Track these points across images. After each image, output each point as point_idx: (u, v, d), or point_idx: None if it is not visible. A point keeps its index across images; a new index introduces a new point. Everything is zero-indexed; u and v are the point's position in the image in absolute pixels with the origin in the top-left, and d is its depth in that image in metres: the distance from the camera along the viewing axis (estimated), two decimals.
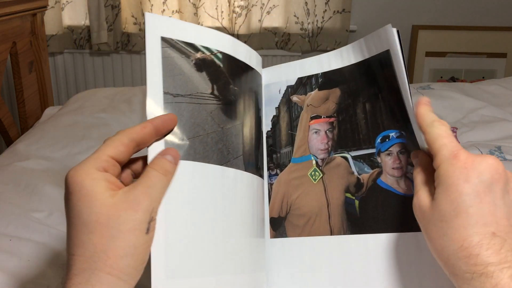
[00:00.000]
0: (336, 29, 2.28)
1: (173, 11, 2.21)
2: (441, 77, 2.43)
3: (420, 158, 0.43)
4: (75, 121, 1.15)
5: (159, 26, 0.43)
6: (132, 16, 2.18)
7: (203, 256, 0.40)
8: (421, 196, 0.39)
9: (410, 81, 2.43)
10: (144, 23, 0.42)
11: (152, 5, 2.19)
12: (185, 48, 0.45)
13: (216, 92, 0.46)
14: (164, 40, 0.43)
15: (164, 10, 2.21)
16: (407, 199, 0.45)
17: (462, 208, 0.35)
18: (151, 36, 0.42)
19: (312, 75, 0.53)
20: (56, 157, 0.98)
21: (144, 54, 1.71)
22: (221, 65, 0.47)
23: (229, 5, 2.20)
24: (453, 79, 2.42)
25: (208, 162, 0.43)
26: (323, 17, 2.27)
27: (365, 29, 2.38)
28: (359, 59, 0.50)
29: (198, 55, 0.45)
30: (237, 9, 2.20)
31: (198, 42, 0.46)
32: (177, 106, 0.42)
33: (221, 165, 0.44)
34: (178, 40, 0.44)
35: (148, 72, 0.41)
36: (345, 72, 0.51)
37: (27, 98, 1.35)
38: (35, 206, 0.76)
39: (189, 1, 2.16)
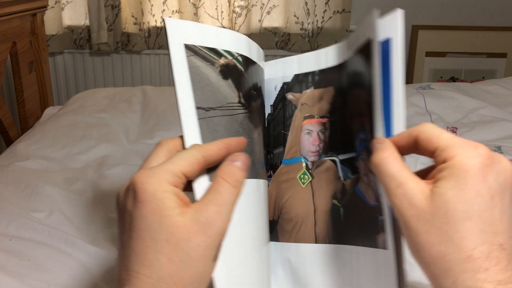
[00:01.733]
0: (336, 29, 2.28)
1: (173, 11, 2.21)
2: (441, 77, 2.43)
3: (387, 143, 0.36)
4: (75, 121, 1.15)
5: (181, 33, 0.39)
6: (132, 16, 2.18)
7: (252, 273, 0.39)
8: (413, 190, 0.32)
9: (410, 81, 2.43)
10: (164, 27, 0.39)
11: (152, 5, 2.19)
12: (209, 55, 0.41)
13: (242, 100, 0.43)
14: (187, 48, 0.40)
15: (164, 10, 2.20)
16: (375, 210, 0.39)
17: (476, 210, 0.30)
18: (175, 45, 0.39)
19: (309, 72, 0.50)
20: (56, 157, 0.98)
21: (145, 54, 1.70)
22: (243, 69, 0.44)
23: (229, 5, 2.20)
24: (453, 79, 2.42)
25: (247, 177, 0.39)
26: (323, 17, 2.27)
27: None
28: (350, 54, 0.45)
29: (222, 60, 0.42)
30: (237, 9, 2.20)
31: (219, 46, 0.42)
32: (211, 121, 0.39)
33: (255, 178, 0.42)
34: (201, 47, 0.41)
35: (177, 86, 0.38)
36: (341, 69, 0.47)
37: (27, 98, 1.35)
38: (35, 206, 0.76)
39: (189, 1, 2.16)
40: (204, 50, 0.41)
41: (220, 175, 0.35)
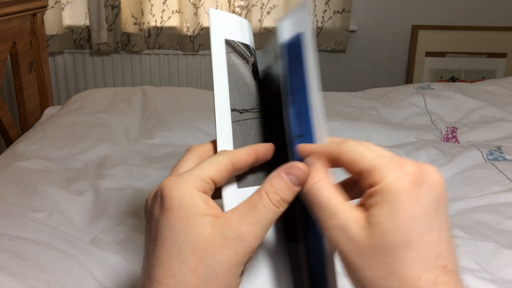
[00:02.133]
0: (336, 29, 2.28)
1: (173, 11, 2.21)
2: (441, 77, 2.43)
3: (317, 164, 0.32)
4: (75, 121, 1.15)
5: (224, 27, 0.37)
6: (132, 16, 2.18)
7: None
8: (347, 221, 0.29)
9: (410, 81, 2.43)
10: (209, 21, 0.37)
11: (152, 5, 2.19)
12: (245, 52, 0.38)
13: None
14: (227, 44, 0.37)
15: (164, 10, 2.21)
16: None
17: (415, 237, 0.28)
18: (217, 40, 0.36)
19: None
20: (56, 157, 0.98)
21: (145, 54, 1.70)
22: (259, 67, 0.41)
23: (229, 5, 2.20)
24: (453, 79, 2.42)
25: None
26: (323, 17, 2.27)
27: (365, 29, 2.38)
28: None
29: (253, 59, 0.39)
30: (237, 9, 2.20)
31: (250, 42, 0.39)
32: (244, 124, 0.37)
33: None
34: (239, 43, 0.38)
35: (215, 85, 0.36)
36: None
37: (27, 98, 1.35)
38: (35, 206, 0.76)
39: (189, 1, 2.16)
40: (241, 46, 0.38)
41: (265, 188, 0.32)
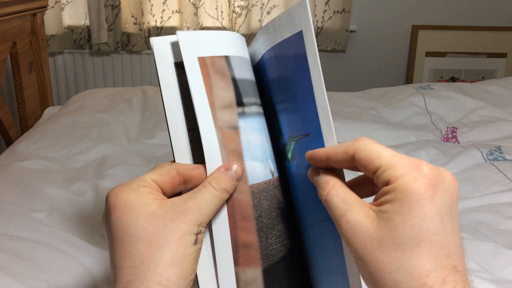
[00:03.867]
0: (336, 29, 2.28)
1: (173, 11, 2.21)
2: (441, 77, 2.43)
3: (326, 177, 0.34)
4: (75, 121, 1.15)
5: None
6: (132, 16, 2.18)
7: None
8: (357, 216, 0.31)
9: (410, 81, 2.43)
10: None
11: (152, 5, 2.19)
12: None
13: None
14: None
15: (164, 10, 2.21)
16: None
17: (426, 235, 0.28)
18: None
19: None
20: (56, 157, 0.98)
21: (145, 54, 1.70)
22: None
23: (229, 5, 2.20)
24: (453, 79, 2.42)
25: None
26: (323, 17, 2.27)
27: (365, 29, 2.38)
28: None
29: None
30: (237, 9, 2.20)
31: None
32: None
33: None
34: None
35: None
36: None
37: (27, 98, 1.35)
38: (35, 206, 0.76)
39: (189, 1, 2.16)
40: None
41: (208, 179, 0.36)
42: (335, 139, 0.35)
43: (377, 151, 0.31)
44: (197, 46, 0.37)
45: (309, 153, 0.35)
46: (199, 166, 0.37)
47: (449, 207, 0.30)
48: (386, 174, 0.30)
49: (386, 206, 0.30)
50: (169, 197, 0.36)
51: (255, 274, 0.38)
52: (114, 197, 0.34)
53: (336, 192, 0.33)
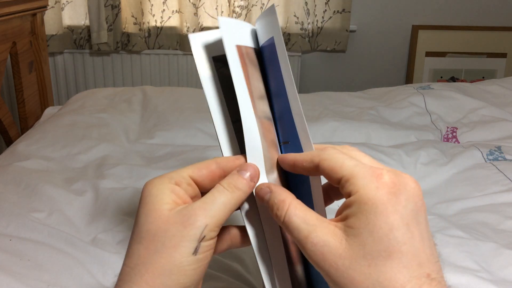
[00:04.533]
0: (336, 29, 2.28)
1: (173, 11, 2.21)
2: (441, 77, 2.43)
3: (278, 193, 0.33)
4: (75, 121, 1.15)
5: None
6: (132, 16, 2.18)
7: None
8: (324, 237, 0.29)
9: (410, 81, 2.43)
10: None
11: (152, 5, 2.19)
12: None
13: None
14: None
15: (164, 10, 2.21)
16: None
17: (395, 246, 0.28)
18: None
19: None
20: (56, 157, 0.98)
21: (145, 54, 1.71)
22: None
23: (229, 5, 2.20)
24: (453, 79, 2.42)
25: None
26: (323, 17, 2.27)
27: (365, 29, 2.38)
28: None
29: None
30: (237, 9, 2.20)
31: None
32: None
33: None
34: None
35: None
36: None
37: (27, 98, 1.35)
38: (35, 206, 0.76)
39: (189, 1, 2.16)
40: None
41: (221, 181, 0.34)
42: (312, 147, 0.35)
43: (340, 161, 0.31)
44: (235, 34, 0.37)
45: (280, 157, 0.36)
46: (239, 157, 0.36)
47: (415, 215, 0.29)
48: (348, 185, 0.30)
49: (351, 220, 0.29)
50: (203, 189, 0.35)
51: (301, 271, 0.37)
52: (144, 188, 0.34)
53: (294, 212, 0.31)
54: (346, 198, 0.30)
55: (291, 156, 0.35)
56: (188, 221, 0.31)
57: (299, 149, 0.36)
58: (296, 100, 0.35)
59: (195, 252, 0.31)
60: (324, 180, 0.35)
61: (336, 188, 0.35)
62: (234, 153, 0.37)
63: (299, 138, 0.36)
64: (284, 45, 0.36)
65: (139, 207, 0.33)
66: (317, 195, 0.36)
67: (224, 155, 0.37)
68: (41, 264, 0.62)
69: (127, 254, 0.32)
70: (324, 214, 0.35)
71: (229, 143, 0.37)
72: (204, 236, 0.31)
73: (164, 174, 0.34)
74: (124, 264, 0.32)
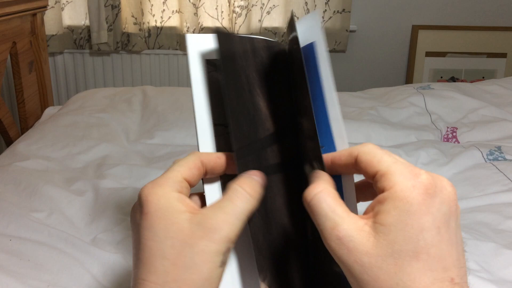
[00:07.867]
0: (336, 29, 2.28)
1: (173, 11, 2.21)
2: (441, 77, 2.43)
3: (320, 175, 0.33)
4: (75, 121, 1.15)
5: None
6: (132, 16, 2.18)
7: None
8: (351, 232, 0.29)
9: (410, 81, 2.43)
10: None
11: (152, 5, 2.19)
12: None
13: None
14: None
15: (164, 10, 2.21)
16: None
17: (423, 247, 0.28)
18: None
19: None
20: (56, 157, 0.98)
21: (145, 54, 1.71)
22: None
23: (229, 5, 2.20)
24: (453, 79, 2.42)
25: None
26: (323, 17, 2.27)
27: (365, 29, 2.38)
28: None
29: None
30: (237, 9, 2.20)
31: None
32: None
33: None
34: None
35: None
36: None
37: (27, 98, 1.35)
38: (35, 206, 0.76)
39: (189, 1, 2.16)
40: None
41: (237, 183, 0.33)
42: None
43: (379, 155, 0.31)
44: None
45: None
46: (221, 156, 0.36)
47: (447, 219, 0.29)
48: (383, 180, 0.30)
49: (382, 217, 0.29)
50: (192, 187, 0.35)
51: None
52: (146, 199, 0.33)
53: (325, 197, 0.31)
54: (379, 193, 0.30)
55: (328, 155, 0.34)
56: (214, 236, 0.31)
57: None
58: (334, 106, 0.35)
59: (222, 264, 0.32)
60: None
61: (364, 189, 0.36)
62: (212, 151, 0.38)
63: (334, 143, 0.36)
64: (327, 52, 0.36)
65: (148, 219, 0.32)
66: (350, 195, 0.35)
67: (200, 151, 0.37)
68: (41, 264, 0.62)
69: (149, 270, 0.31)
70: (356, 213, 0.35)
71: (208, 142, 0.38)
72: (228, 248, 0.32)
73: (162, 181, 0.33)
74: (147, 280, 0.31)
